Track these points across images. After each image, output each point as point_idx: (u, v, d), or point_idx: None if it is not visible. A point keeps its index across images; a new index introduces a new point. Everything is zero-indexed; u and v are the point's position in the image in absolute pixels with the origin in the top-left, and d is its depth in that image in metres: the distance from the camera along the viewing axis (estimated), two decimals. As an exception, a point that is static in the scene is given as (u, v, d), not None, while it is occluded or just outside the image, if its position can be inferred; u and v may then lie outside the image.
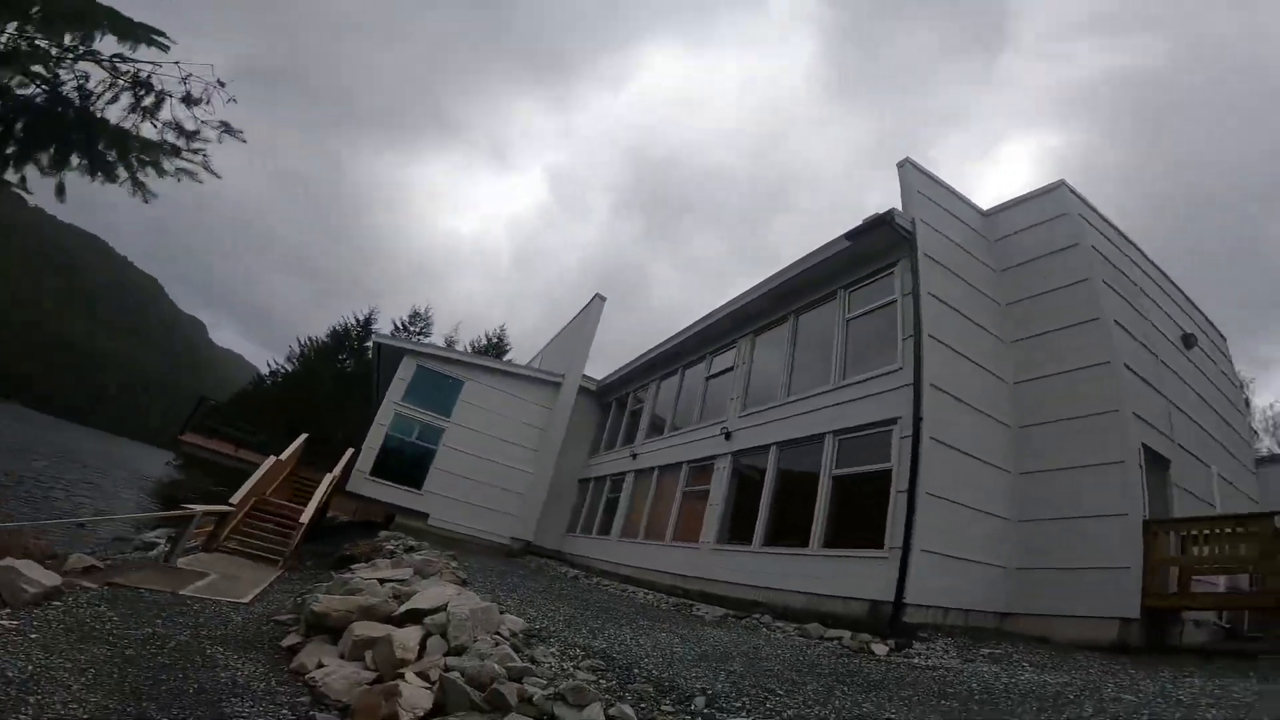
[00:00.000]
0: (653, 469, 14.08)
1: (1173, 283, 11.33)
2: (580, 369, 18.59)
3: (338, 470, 14.43)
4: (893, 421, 8.31)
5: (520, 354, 35.84)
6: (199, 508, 8.53)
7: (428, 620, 5.01)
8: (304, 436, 15.14)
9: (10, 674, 3.30)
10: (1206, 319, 12.44)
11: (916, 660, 6.06)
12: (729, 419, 11.88)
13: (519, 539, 16.45)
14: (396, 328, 40.00)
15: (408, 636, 4.71)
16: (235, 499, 10.58)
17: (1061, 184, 9.89)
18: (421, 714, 3.75)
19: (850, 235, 9.54)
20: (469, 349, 39.96)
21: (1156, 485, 8.60)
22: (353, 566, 9.80)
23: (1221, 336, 13.27)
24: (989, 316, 9.52)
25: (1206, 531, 7.33)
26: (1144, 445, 8.32)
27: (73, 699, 3.17)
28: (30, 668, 3.46)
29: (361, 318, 41.47)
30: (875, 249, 9.52)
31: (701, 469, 12.16)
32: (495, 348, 41.02)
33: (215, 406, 17.38)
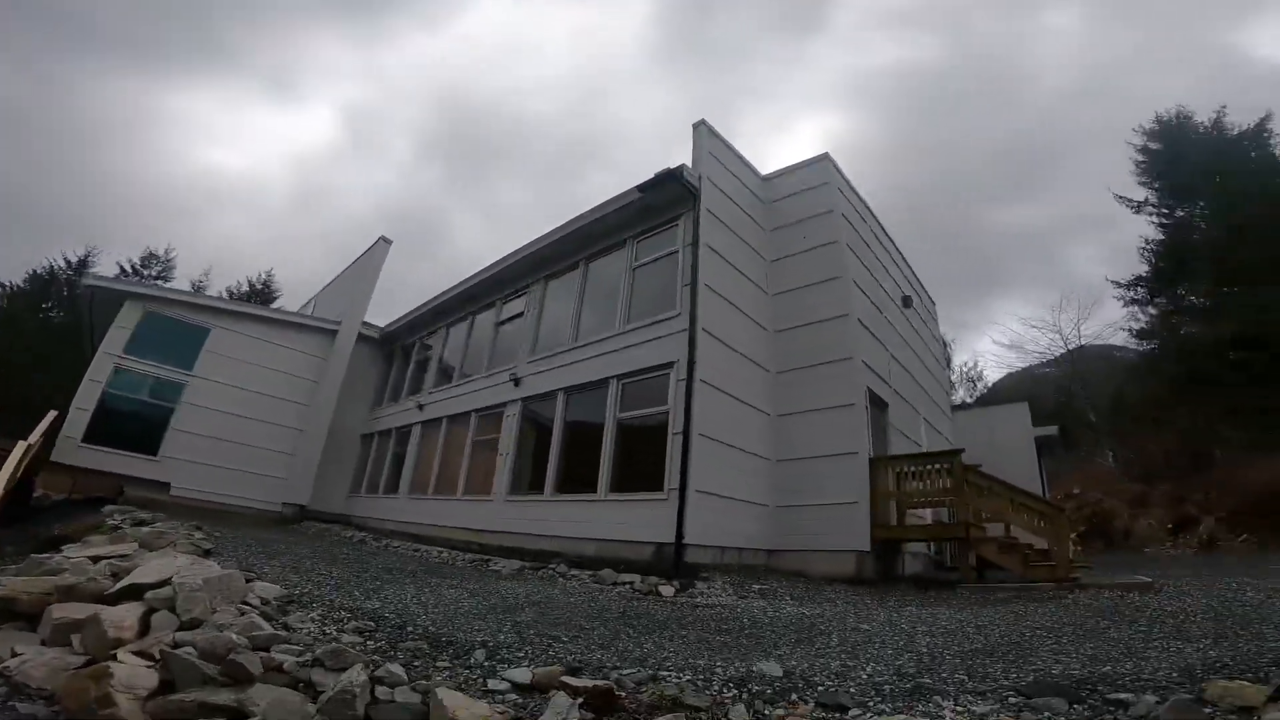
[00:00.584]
0: (441, 419, 13.49)
1: (900, 251, 13.37)
2: (360, 315, 16.89)
3: (35, 437, 11.62)
4: (670, 365, 8.74)
5: (294, 302, 31.79)
6: None
7: (150, 595, 4.26)
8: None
9: None
10: (922, 285, 14.96)
11: (699, 599, 6.56)
12: (518, 365, 11.67)
13: (292, 504, 14.81)
14: (125, 271, 33.28)
15: (122, 614, 3.99)
16: None
17: (826, 156, 10.98)
18: (145, 694, 3.20)
19: (642, 187, 9.74)
20: (226, 295, 34.55)
21: (879, 427, 10.24)
22: (63, 548, 8.05)
23: (932, 301, 16.11)
24: (757, 270, 10.42)
25: (915, 468, 8.91)
26: (869, 389, 9.78)
27: None
28: None
29: (75, 258, 33.61)
30: (664, 202, 9.81)
31: (491, 417, 11.89)
32: (260, 295, 36.09)
33: None
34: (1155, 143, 24.92)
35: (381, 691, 3.03)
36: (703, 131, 10.16)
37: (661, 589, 7.02)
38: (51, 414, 12.49)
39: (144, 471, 13.35)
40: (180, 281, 34.92)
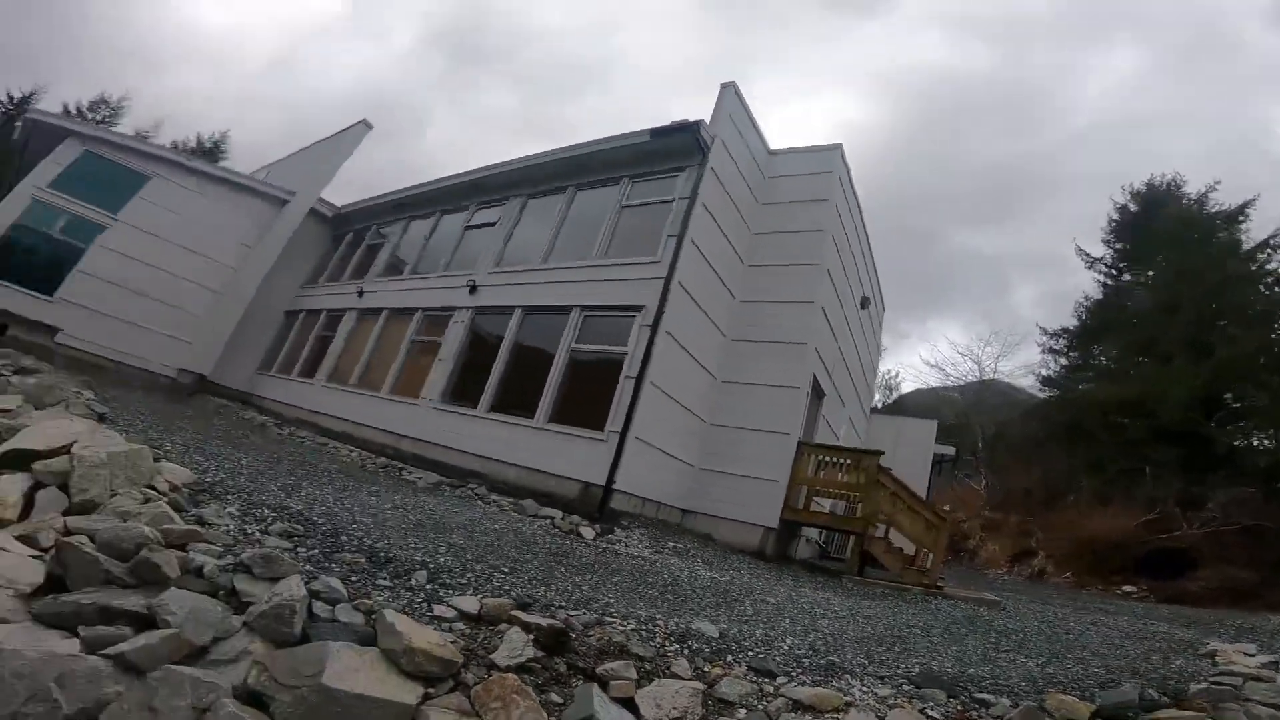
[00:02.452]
0: (381, 310, 12.84)
1: (871, 252, 13.66)
2: (319, 190, 15.66)
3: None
4: (638, 309, 8.65)
5: (244, 166, 28.98)
6: None
7: (39, 466, 3.73)
8: None
9: None
10: (880, 289, 15.40)
11: (618, 547, 6.60)
12: (478, 273, 11.21)
13: (190, 371, 13.74)
14: (69, 112, 29.81)
15: (4, 488, 3.47)
16: None
17: (839, 147, 10.96)
18: (28, 590, 2.76)
19: (655, 132, 9.60)
20: (171, 147, 31.25)
21: (812, 413, 10.62)
22: (-75, 389, 7.10)
23: (883, 307, 16.63)
24: (741, 239, 10.41)
25: (833, 459, 9.34)
26: (814, 376, 10.09)
27: None
28: None
29: (18, 95, 29.53)
30: (670, 150, 9.67)
31: (436, 319, 11.42)
32: (208, 154, 32.97)
33: None
34: (1135, 204, 25.31)
35: (320, 608, 2.78)
36: (730, 94, 10.00)
37: (582, 530, 7.03)
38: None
39: (30, 311, 12.03)
40: (126, 130, 31.26)
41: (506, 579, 3.90)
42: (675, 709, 2.49)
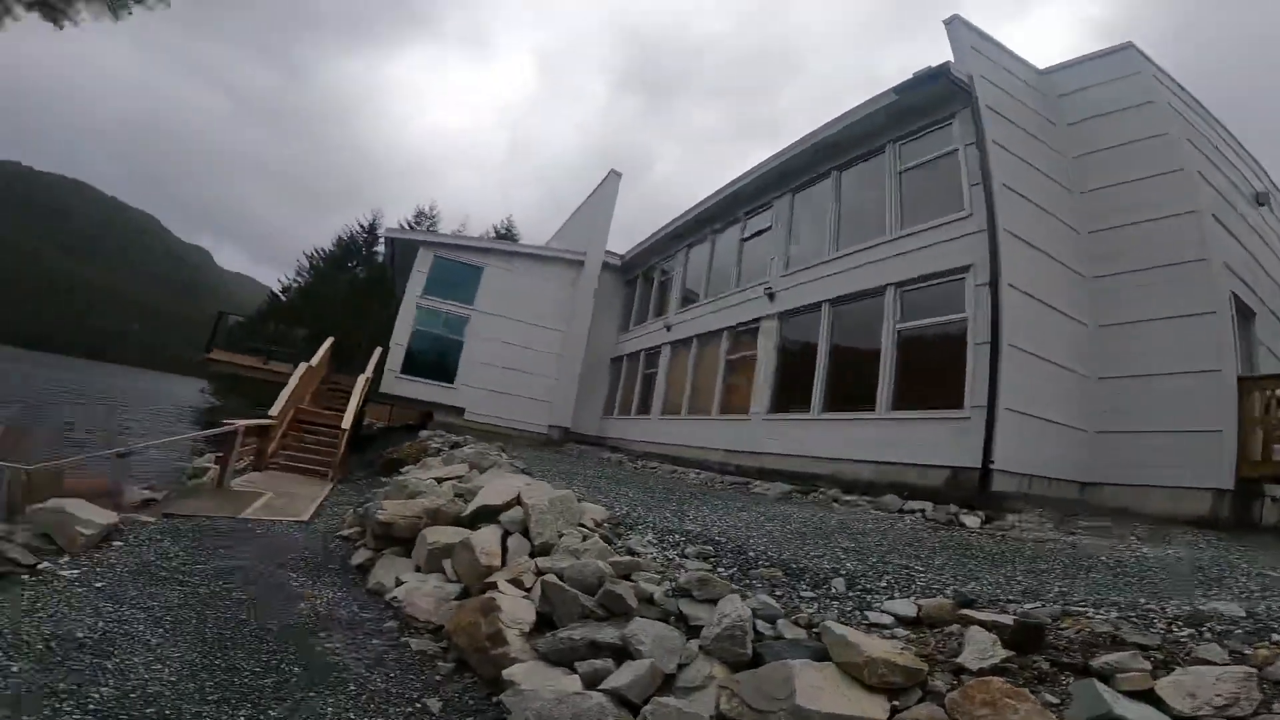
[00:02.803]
0: (690, 339, 13.63)
1: (1240, 144, 10.18)
2: (602, 245, 17.70)
3: (369, 371, 14.23)
4: (965, 269, 7.71)
5: (530, 241, 34.70)
6: (241, 422, 8.31)
7: (503, 518, 4.63)
8: (330, 340, 14.81)
9: (81, 635, 3.01)
10: (1273, 181, 11.29)
11: (1014, 533, 5.77)
12: (771, 279, 11.23)
13: (557, 426, 16.45)
14: (404, 228, 38.68)
15: (487, 539, 4.32)
16: (274, 410, 10.41)
17: (1130, 45, 9.05)
18: (527, 628, 3.32)
19: (900, 89, 8.82)
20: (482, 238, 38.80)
21: (1243, 340, 8.06)
22: (402, 470, 9.74)
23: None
24: (1056, 167, 8.75)
25: None
26: (1234, 295, 7.67)
27: (155, 658, 2.88)
28: (101, 624, 3.18)
29: (366, 223, 40.24)
30: (925, 103, 8.84)
31: (745, 334, 11.70)
32: (507, 237, 39.81)
33: (238, 323, 16.95)
34: None
35: (761, 625, 2.83)
36: (959, 27, 8.84)
37: (964, 519, 6.34)
38: (378, 350, 15.17)
39: (444, 398, 15.69)
40: (445, 232, 39.82)
41: (925, 578, 3.64)
42: (1219, 696, 2.07)
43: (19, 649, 2.76)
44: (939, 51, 8.77)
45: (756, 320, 11.24)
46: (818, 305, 9.86)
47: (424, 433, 13.88)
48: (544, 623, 3.41)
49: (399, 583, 4.46)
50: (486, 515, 4.78)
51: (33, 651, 2.75)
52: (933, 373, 7.84)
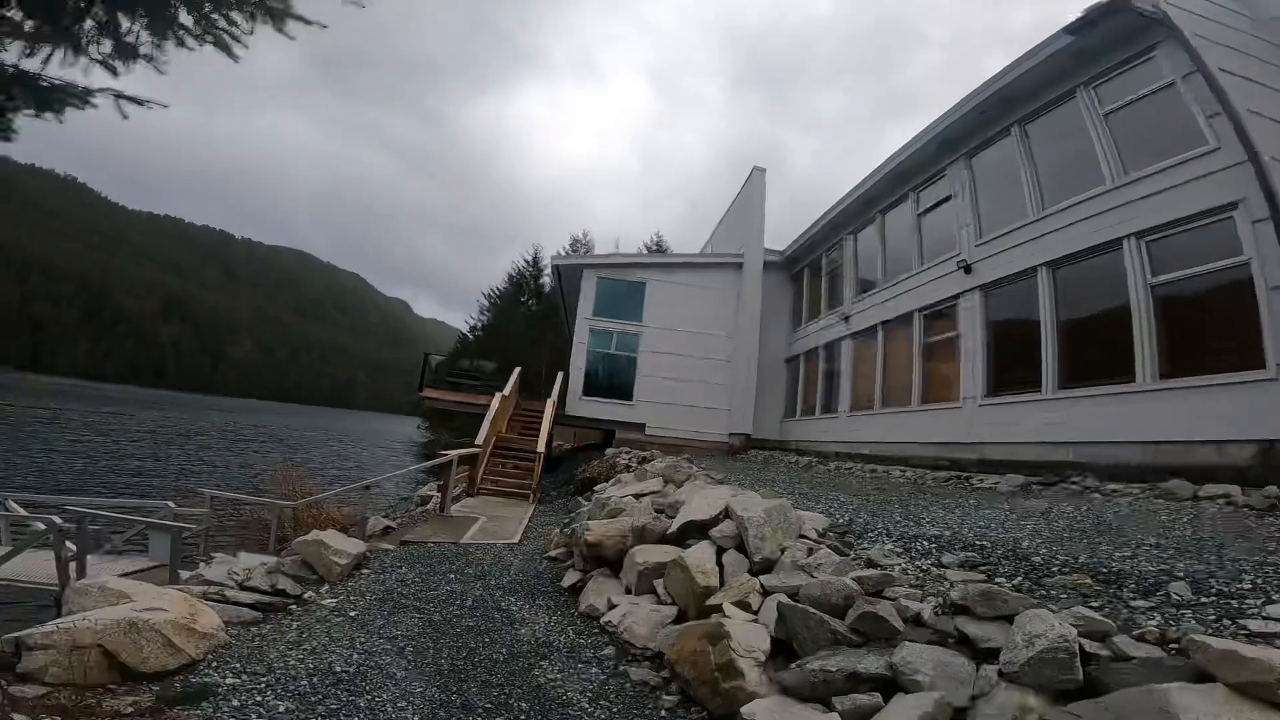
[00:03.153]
0: (873, 328, 12.56)
1: None
2: (759, 243, 17.09)
3: (555, 395, 14.94)
4: (1231, 207, 6.19)
5: (682, 250, 34.89)
6: (453, 453, 9.00)
7: (713, 533, 4.30)
8: (518, 369, 15.83)
9: (339, 669, 3.18)
10: None
11: None
12: (963, 250, 9.96)
13: (737, 433, 16.00)
14: (564, 255, 40.99)
15: (701, 557, 3.98)
16: (479, 439, 11.25)
17: None
18: (763, 657, 2.90)
19: (1073, 29, 7.80)
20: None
21: None
22: (595, 488, 9.96)
23: None
24: None
25: None
26: None
27: (400, 693, 2.95)
28: (355, 657, 3.36)
29: (529, 258, 43.20)
30: (1110, 41, 7.69)
31: (940, 314, 10.50)
32: (660, 251, 40.52)
33: (440, 362, 18.82)
34: None
35: (1089, 645, 2.22)
36: None
37: (1296, 502, 4.88)
38: (560, 375, 15.95)
39: (624, 415, 16.01)
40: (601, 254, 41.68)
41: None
42: None
43: (286, 685, 2.94)
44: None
45: (954, 297, 9.99)
46: (1032, 271, 8.48)
47: (609, 450, 14.23)
48: (781, 650, 2.98)
49: (611, 605, 4.33)
50: (695, 531, 4.49)
51: (297, 689, 2.91)
52: (1211, 330, 6.34)
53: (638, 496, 6.31)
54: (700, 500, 4.85)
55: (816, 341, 15.23)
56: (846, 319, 13.63)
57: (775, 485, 7.41)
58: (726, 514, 4.41)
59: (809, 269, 16.81)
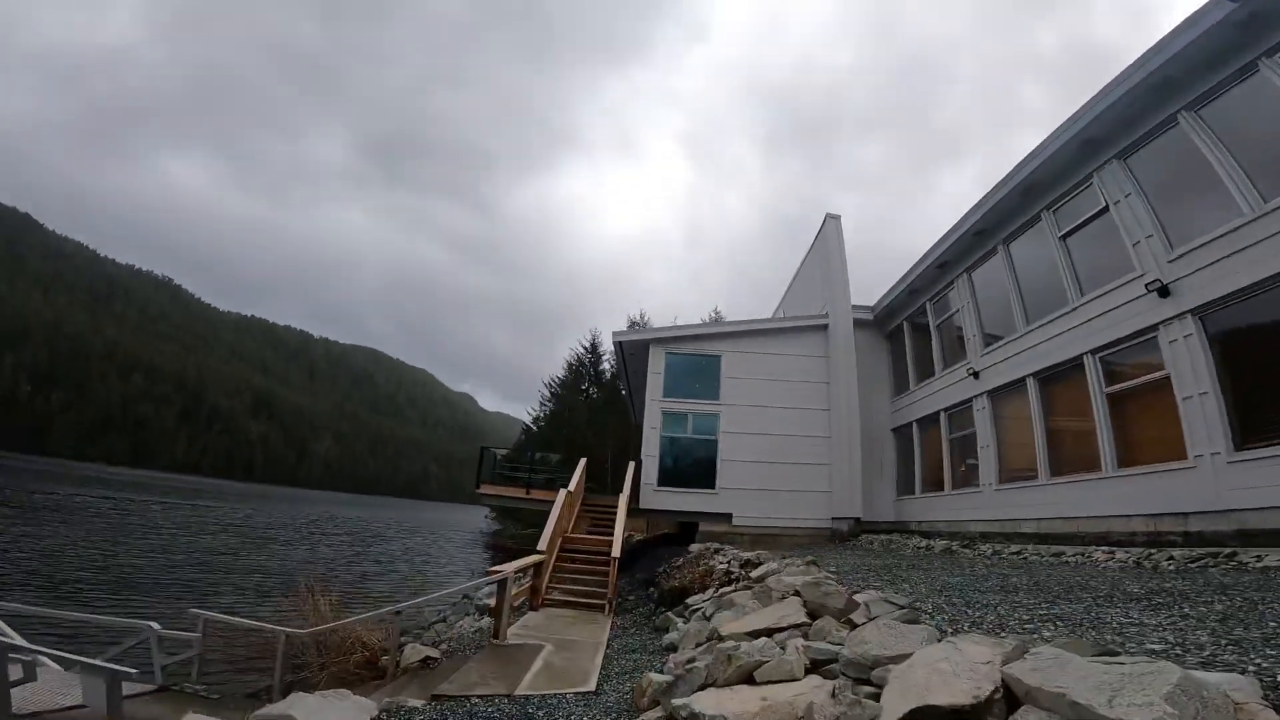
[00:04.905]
0: (1019, 381, 10.20)
1: None
2: (845, 299, 15.03)
3: (627, 488, 12.99)
4: None
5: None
6: (509, 568, 7.09)
7: None
8: (583, 461, 14.04)
9: None
10: None
11: None
12: (1147, 269, 7.79)
13: (843, 517, 13.45)
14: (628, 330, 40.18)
15: None
16: (542, 544, 9.37)
17: None
18: None
19: None
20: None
21: None
22: (687, 601, 7.80)
23: None
24: None
25: None
26: None
27: None
28: None
29: (587, 343, 42.42)
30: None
31: (1126, 353, 8.21)
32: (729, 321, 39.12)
33: (503, 456, 17.30)
34: None
35: None
36: None
37: None
38: (631, 465, 14.01)
39: (708, 506, 13.82)
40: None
41: None
42: None
43: None
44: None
45: (1148, 330, 7.69)
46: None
47: (694, 548, 12.02)
48: None
49: None
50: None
51: None
52: None
53: (771, 633, 4.22)
54: (929, 666, 2.63)
55: (934, 405, 12.87)
56: (975, 375, 11.30)
57: (955, 595, 5.11)
58: (1006, 692, 2.27)
59: (909, 323, 14.66)
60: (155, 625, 5.85)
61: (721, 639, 4.41)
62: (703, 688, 3.59)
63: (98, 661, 4.14)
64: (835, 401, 14.22)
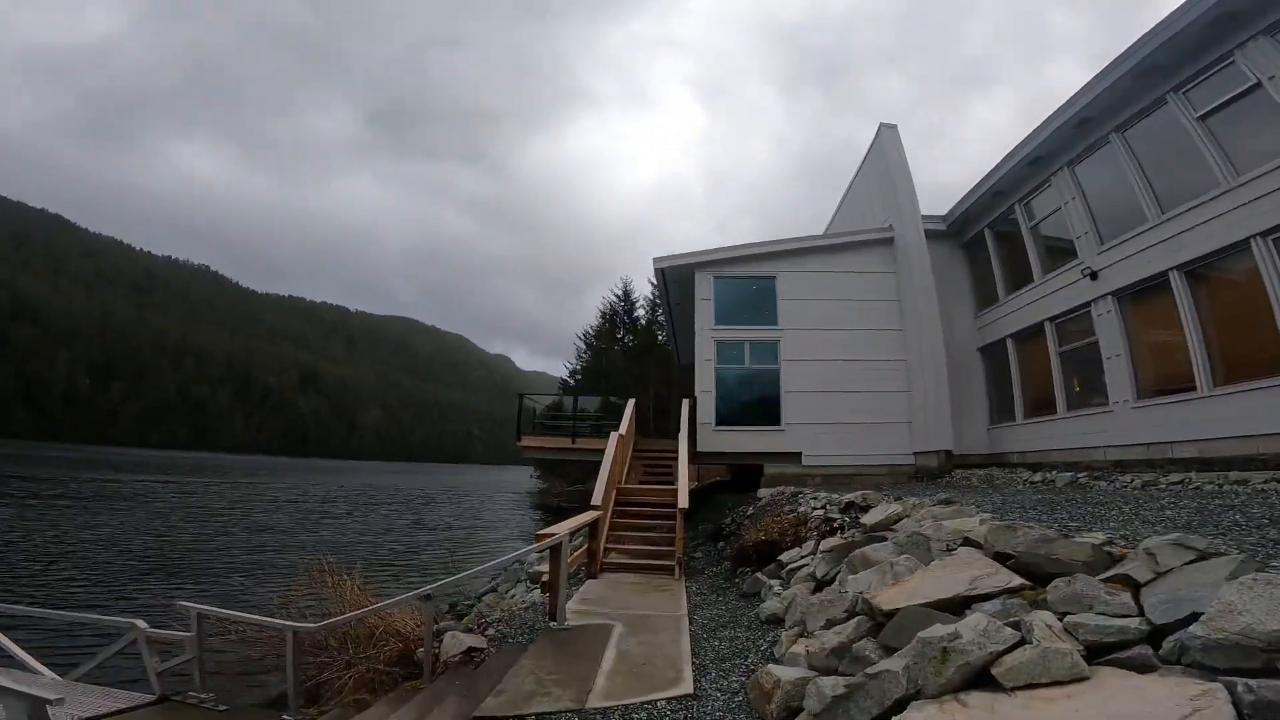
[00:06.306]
0: (1160, 276, 8.42)
1: None
2: (914, 210, 13.11)
3: (684, 427, 11.69)
4: None
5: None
6: (563, 529, 5.84)
7: None
8: (632, 401, 12.75)
9: None
10: None
11: None
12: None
13: (930, 451, 11.89)
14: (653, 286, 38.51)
15: None
16: (596, 498, 8.17)
17: None
18: None
19: None
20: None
21: None
22: (780, 559, 6.49)
23: None
24: None
25: None
26: None
27: None
28: None
29: (620, 292, 41.02)
30: None
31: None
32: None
33: (544, 408, 16.28)
34: None
35: None
36: None
37: None
38: (686, 403, 12.64)
39: (774, 444, 12.42)
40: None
41: None
42: None
43: None
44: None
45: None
46: None
47: (763, 491, 10.73)
48: None
49: None
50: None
51: None
52: None
53: (967, 603, 2.83)
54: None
55: (1035, 316, 11.11)
56: (1093, 275, 9.46)
57: (1231, 535, 3.59)
58: None
59: (991, 230, 12.74)
60: (141, 623, 4.81)
61: (885, 614, 3.03)
62: (902, 703, 2.24)
63: (15, 685, 3.00)
64: (913, 321, 12.49)
